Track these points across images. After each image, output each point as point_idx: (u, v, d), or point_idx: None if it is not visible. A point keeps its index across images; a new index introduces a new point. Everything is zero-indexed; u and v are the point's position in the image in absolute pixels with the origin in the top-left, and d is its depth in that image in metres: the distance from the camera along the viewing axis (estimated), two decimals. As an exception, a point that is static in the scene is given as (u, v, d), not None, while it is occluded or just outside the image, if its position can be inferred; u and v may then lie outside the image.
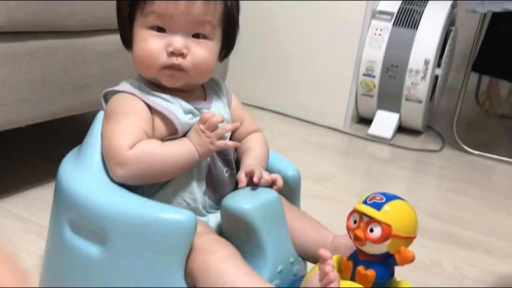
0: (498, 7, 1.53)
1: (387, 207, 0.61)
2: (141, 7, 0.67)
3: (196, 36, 0.69)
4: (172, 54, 0.67)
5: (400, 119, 1.86)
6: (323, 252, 0.58)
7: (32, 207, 1.01)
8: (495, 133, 2.17)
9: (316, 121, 1.88)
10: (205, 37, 0.69)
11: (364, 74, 1.82)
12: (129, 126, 0.66)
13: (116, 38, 1.10)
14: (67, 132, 1.41)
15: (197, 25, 0.68)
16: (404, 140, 1.84)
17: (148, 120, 0.68)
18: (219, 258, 0.62)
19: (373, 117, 1.88)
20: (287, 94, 1.93)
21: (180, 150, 0.67)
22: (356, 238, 0.62)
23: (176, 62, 0.67)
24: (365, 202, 0.63)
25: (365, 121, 1.92)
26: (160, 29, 0.68)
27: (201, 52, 0.69)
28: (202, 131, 0.67)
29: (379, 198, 0.62)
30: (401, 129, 1.90)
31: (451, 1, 1.83)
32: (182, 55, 0.67)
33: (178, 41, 0.67)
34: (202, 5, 0.67)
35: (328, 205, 1.23)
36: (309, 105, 1.89)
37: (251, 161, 0.75)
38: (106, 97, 0.73)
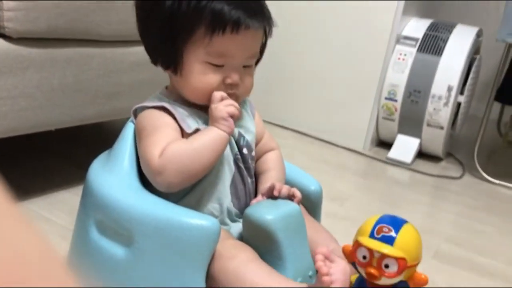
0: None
1: (399, 240, 0.59)
2: (204, 43, 0.69)
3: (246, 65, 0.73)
4: (229, 85, 0.71)
5: (420, 144, 1.86)
6: (319, 248, 0.62)
7: (56, 209, 1.03)
8: (517, 163, 2.15)
9: (336, 142, 1.88)
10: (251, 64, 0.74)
11: (386, 98, 1.83)
12: (159, 137, 0.68)
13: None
14: (93, 139, 1.44)
15: (250, 58, 0.73)
16: (424, 165, 1.84)
17: (177, 130, 0.70)
18: (238, 262, 0.63)
19: (393, 141, 1.88)
20: (308, 113, 1.94)
21: (206, 136, 0.68)
22: (370, 276, 0.60)
23: (231, 92, 0.71)
24: (372, 235, 0.60)
25: (385, 144, 1.92)
26: (219, 65, 0.70)
27: (249, 79, 0.74)
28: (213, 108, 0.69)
29: (387, 230, 0.60)
30: (421, 154, 1.90)
31: (477, 30, 1.84)
32: (237, 85, 0.71)
33: (235, 75, 0.71)
34: (257, 42, 0.72)
35: (346, 224, 1.23)
36: (329, 126, 1.90)
37: (266, 184, 0.76)
38: (135, 113, 0.75)
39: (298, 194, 0.73)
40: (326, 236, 0.76)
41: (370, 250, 0.59)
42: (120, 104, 1.07)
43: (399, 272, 0.59)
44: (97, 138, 1.46)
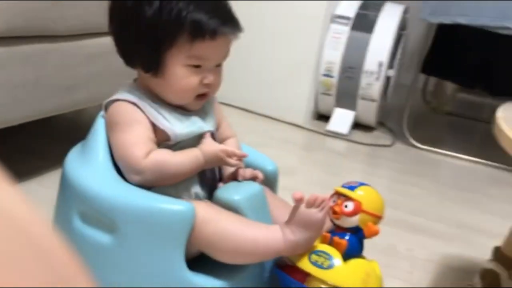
0: (448, 20, 1.69)
1: (359, 189, 0.79)
2: (185, 49, 0.75)
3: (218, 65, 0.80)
4: (206, 85, 0.78)
5: (355, 116, 2.00)
6: (295, 193, 0.73)
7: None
8: (442, 129, 2.36)
9: (278, 117, 1.99)
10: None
11: (323, 75, 1.95)
12: (138, 135, 0.75)
13: (97, 41, 1.18)
14: (48, 130, 1.45)
15: (223, 59, 0.80)
16: (359, 135, 1.99)
17: (150, 128, 0.77)
18: (215, 224, 0.73)
19: (331, 114, 2.01)
20: (250, 90, 2.03)
21: (190, 159, 0.76)
22: (333, 212, 0.78)
23: (207, 91, 0.79)
24: (343, 185, 0.80)
25: (324, 117, 2.05)
26: (197, 65, 0.77)
27: (220, 77, 0.81)
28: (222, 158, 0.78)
29: (354, 183, 0.80)
30: (356, 125, 2.04)
31: (403, 7, 1.99)
32: (212, 84, 0.79)
33: (211, 76, 0.78)
34: (229, 45, 0.80)
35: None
36: (271, 102, 2.00)
37: (231, 169, 0.86)
38: (106, 106, 0.80)
39: (260, 175, 0.83)
40: (287, 210, 0.86)
41: (338, 194, 0.79)
42: (79, 96, 1.11)
43: (354, 211, 0.77)
44: (52, 129, 1.47)
